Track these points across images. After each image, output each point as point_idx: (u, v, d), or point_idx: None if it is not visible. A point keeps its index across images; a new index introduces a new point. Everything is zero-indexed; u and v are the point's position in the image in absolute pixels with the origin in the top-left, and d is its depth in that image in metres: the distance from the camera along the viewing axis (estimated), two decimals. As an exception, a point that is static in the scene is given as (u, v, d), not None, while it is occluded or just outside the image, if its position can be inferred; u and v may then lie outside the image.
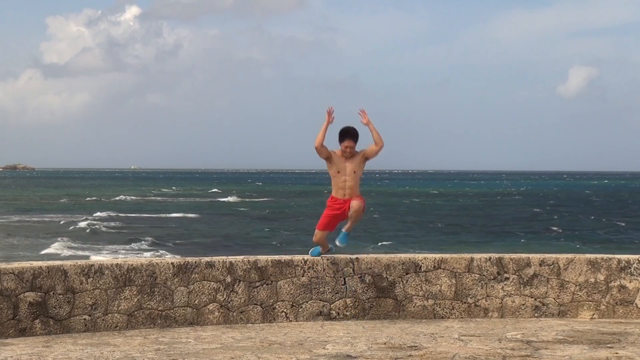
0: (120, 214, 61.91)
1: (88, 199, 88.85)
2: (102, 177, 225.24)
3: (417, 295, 10.51)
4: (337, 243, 10.24)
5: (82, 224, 51.20)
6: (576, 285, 10.69)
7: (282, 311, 10.23)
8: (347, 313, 10.35)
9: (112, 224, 52.57)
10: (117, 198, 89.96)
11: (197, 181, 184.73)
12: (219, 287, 10.04)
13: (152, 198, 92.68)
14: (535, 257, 10.79)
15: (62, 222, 52.75)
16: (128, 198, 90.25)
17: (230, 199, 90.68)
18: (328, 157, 10.03)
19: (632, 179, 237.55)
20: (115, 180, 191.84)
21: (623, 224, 54.22)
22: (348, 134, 9.98)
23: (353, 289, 10.40)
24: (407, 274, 10.51)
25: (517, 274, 10.64)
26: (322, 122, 10.01)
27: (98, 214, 61.85)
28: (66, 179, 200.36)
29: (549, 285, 10.67)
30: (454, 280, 10.55)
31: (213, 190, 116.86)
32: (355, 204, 9.96)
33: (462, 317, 10.52)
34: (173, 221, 56.54)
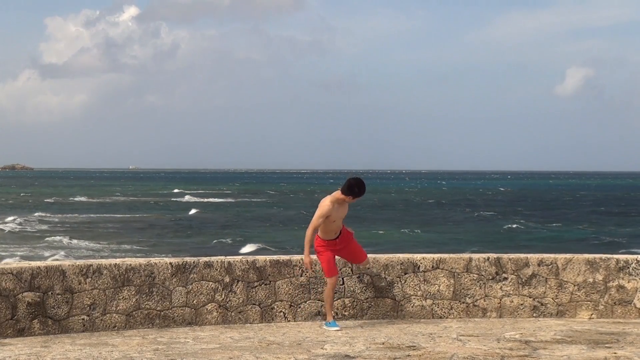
0: (57, 215, 61.74)
1: (37, 199, 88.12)
2: (94, 177, 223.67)
3: (416, 295, 10.51)
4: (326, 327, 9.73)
5: (10, 225, 51.09)
6: (574, 285, 10.69)
7: (281, 311, 10.23)
8: (346, 313, 10.35)
9: (38, 226, 52.22)
10: (74, 199, 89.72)
11: (180, 181, 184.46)
12: (218, 287, 10.04)
13: (112, 199, 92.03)
14: (533, 257, 10.79)
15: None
16: (84, 199, 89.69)
17: (185, 198, 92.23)
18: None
19: (619, 179, 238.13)
20: (103, 180, 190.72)
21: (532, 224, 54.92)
22: (363, 193, 9.78)
23: (351, 288, 10.40)
24: (405, 273, 10.51)
25: (516, 274, 10.64)
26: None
27: (37, 214, 61.79)
28: (55, 178, 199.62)
29: (548, 285, 10.68)
30: (452, 280, 10.55)
31: (175, 190, 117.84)
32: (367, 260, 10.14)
33: (460, 317, 10.52)
34: (102, 220, 56.65)
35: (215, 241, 42.34)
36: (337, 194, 9.76)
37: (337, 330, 9.57)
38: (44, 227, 51.16)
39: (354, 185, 9.68)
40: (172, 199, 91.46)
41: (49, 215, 61.61)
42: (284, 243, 40.28)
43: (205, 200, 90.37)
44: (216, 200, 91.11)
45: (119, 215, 62.13)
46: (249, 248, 38.21)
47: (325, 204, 9.69)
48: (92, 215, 62.42)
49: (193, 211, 66.92)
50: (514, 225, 53.53)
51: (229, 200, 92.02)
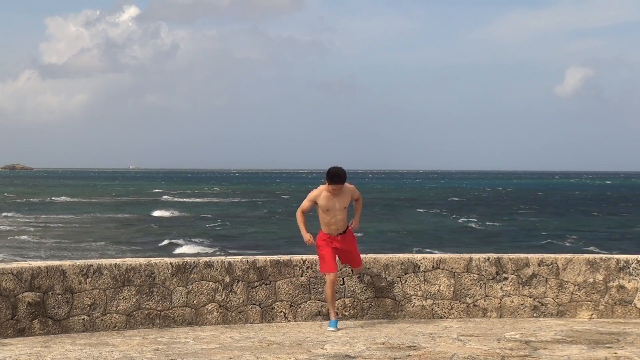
0: (22, 215, 61.58)
1: (16, 199, 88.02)
2: (91, 178, 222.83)
3: (416, 295, 10.51)
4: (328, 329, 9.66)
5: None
6: (575, 285, 10.69)
7: (281, 311, 10.23)
8: (346, 313, 10.35)
9: (4, 226, 51.97)
10: (55, 199, 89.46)
11: (174, 181, 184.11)
12: (218, 287, 10.04)
13: (92, 199, 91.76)
14: (534, 257, 10.79)
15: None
16: (66, 199, 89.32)
17: (162, 198, 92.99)
18: (313, 203, 9.86)
19: (617, 179, 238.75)
20: (98, 180, 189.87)
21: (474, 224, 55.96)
22: (337, 178, 9.74)
23: (352, 288, 10.40)
24: (405, 273, 10.51)
25: (516, 274, 10.64)
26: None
27: (5, 213, 61.67)
28: (50, 178, 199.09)
29: (548, 285, 10.68)
30: (452, 280, 10.55)
31: (155, 190, 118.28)
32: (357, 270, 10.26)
33: (460, 317, 10.52)
34: (68, 221, 56.61)
35: (167, 241, 41.83)
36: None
37: (333, 330, 9.55)
38: (11, 227, 50.82)
39: (327, 171, 9.85)
40: (152, 199, 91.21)
41: (20, 215, 61.34)
42: (242, 245, 40.10)
43: (183, 200, 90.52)
44: (194, 200, 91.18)
45: (88, 216, 61.98)
46: (187, 249, 38.05)
47: (313, 190, 9.95)
48: (61, 215, 62.09)
49: (157, 212, 66.19)
50: (470, 224, 54.94)
51: (209, 200, 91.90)
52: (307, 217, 9.95)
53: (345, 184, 9.85)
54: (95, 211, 67.51)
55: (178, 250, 37.66)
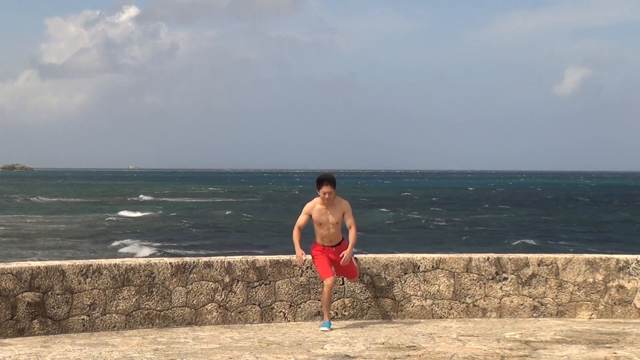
0: None
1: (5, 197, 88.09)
2: (88, 177, 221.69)
3: (416, 295, 10.51)
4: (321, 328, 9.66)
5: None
6: (574, 285, 10.69)
7: (281, 311, 10.23)
8: (346, 313, 10.35)
9: None
10: (33, 199, 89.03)
11: (168, 181, 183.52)
12: (217, 287, 10.04)
13: (69, 199, 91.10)
14: (533, 257, 10.79)
15: None
16: (46, 199, 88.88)
17: (141, 198, 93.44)
18: (309, 216, 9.86)
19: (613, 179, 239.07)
20: (94, 180, 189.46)
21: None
22: (326, 180, 9.77)
23: (351, 288, 10.40)
24: (405, 273, 10.51)
25: (516, 274, 10.64)
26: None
27: None
28: (44, 178, 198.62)
29: (548, 285, 10.68)
30: (452, 280, 10.55)
31: (140, 189, 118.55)
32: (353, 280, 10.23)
33: (460, 317, 10.52)
34: (24, 221, 56.11)
35: (117, 242, 41.20)
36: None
37: (325, 330, 9.52)
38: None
39: (317, 179, 9.88)
40: (129, 199, 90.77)
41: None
42: (198, 246, 39.87)
43: (162, 199, 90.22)
44: (177, 200, 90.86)
45: (54, 216, 61.33)
46: (132, 249, 37.89)
47: (308, 203, 9.95)
48: (24, 215, 61.67)
49: (124, 212, 65.37)
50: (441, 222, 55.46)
51: (192, 200, 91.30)
52: (303, 229, 9.95)
53: (340, 198, 9.89)
54: (64, 211, 66.86)
55: (122, 250, 37.33)
